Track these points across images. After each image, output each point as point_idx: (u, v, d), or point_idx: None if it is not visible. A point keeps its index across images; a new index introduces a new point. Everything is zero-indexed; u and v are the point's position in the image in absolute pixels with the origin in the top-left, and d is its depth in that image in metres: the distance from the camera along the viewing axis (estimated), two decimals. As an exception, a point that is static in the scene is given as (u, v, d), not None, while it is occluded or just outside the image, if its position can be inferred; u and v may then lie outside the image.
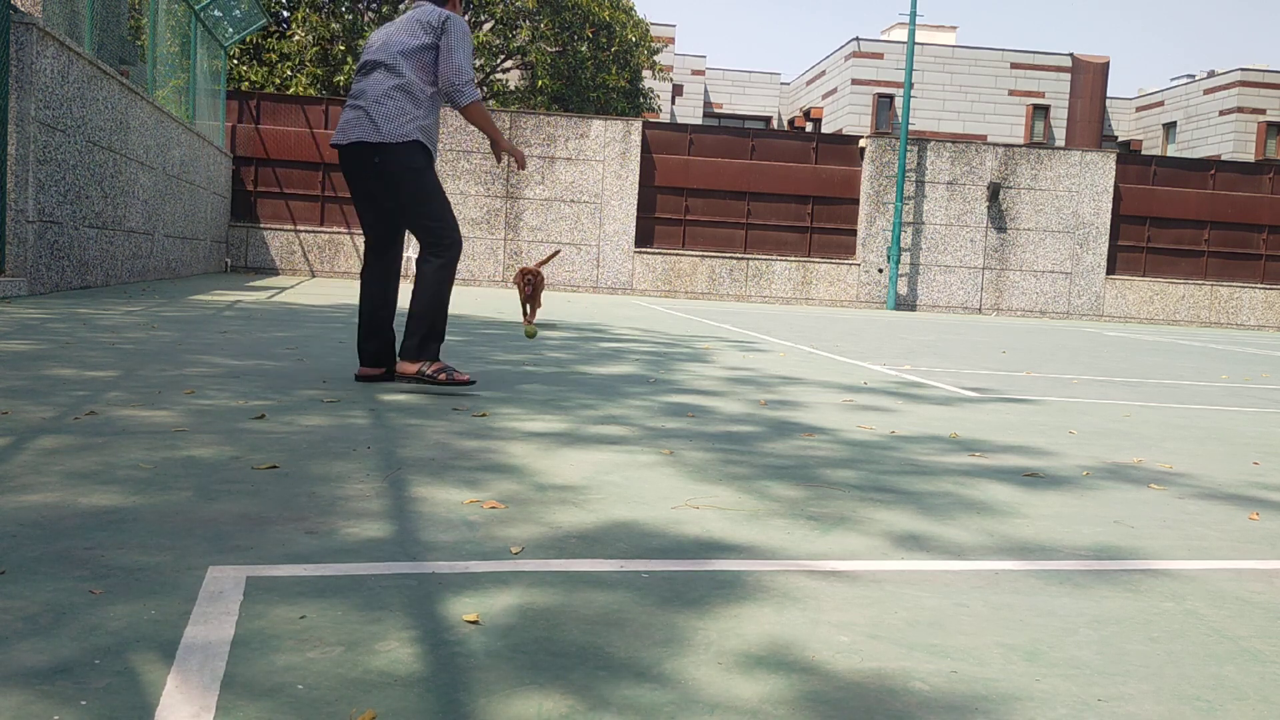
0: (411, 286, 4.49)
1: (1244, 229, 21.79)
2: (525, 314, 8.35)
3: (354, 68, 22.56)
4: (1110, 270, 21.50)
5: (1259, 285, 21.74)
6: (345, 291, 13.70)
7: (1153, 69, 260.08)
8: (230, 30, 18.42)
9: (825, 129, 34.68)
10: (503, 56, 24.40)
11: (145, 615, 1.62)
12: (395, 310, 4.55)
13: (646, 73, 29.71)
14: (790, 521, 2.45)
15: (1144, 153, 29.96)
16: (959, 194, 20.90)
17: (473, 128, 19.69)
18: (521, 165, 4.46)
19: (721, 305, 17.72)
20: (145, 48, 14.31)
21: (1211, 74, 34.03)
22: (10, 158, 8.37)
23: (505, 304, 12.99)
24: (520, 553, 2.07)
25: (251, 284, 14.28)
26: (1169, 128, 35.57)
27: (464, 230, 19.86)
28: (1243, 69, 32.57)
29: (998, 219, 20.99)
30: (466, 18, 23.87)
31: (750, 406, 4.45)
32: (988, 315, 20.88)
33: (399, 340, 6.04)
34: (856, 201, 20.86)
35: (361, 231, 19.73)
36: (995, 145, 21.00)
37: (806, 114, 36.60)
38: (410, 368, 4.24)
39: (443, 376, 4.24)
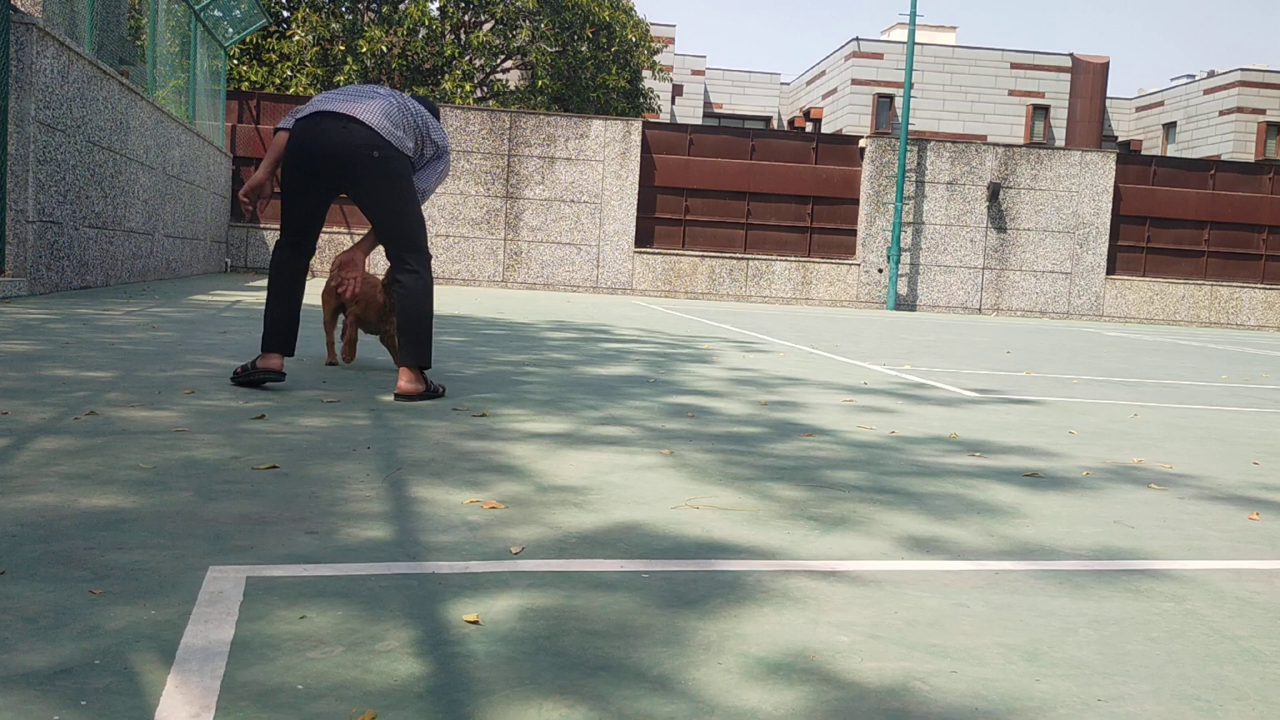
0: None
1: (1244, 229, 21.79)
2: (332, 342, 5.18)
3: (353, 68, 22.62)
4: (1110, 270, 21.50)
5: (1259, 285, 21.74)
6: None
7: (1153, 69, 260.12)
8: (230, 30, 18.41)
9: (825, 129, 34.67)
10: (503, 56, 24.40)
11: (145, 615, 1.62)
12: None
13: (646, 73, 29.70)
14: (791, 522, 2.45)
15: (1144, 153, 29.96)
16: (959, 194, 20.90)
17: (473, 127, 19.70)
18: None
19: (721, 305, 17.72)
20: (145, 48, 14.31)
21: (1211, 74, 34.03)
22: (10, 158, 8.37)
23: (506, 304, 13.00)
24: (521, 553, 2.07)
25: (251, 284, 14.27)
26: (1169, 128, 35.57)
27: (464, 230, 19.86)
28: (1243, 69, 32.57)
29: (998, 219, 20.99)
30: (468, 17, 23.86)
31: (751, 407, 4.45)
32: (988, 315, 20.87)
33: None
34: (856, 201, 20.86)
35: (359, 231, 19.76)
36: (995, 145, 21.00)
37: (806, 114, 36.60)
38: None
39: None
